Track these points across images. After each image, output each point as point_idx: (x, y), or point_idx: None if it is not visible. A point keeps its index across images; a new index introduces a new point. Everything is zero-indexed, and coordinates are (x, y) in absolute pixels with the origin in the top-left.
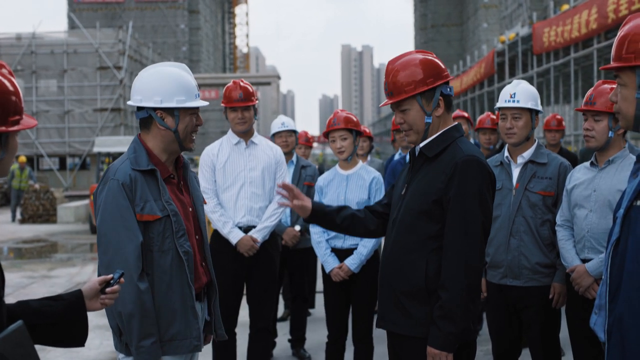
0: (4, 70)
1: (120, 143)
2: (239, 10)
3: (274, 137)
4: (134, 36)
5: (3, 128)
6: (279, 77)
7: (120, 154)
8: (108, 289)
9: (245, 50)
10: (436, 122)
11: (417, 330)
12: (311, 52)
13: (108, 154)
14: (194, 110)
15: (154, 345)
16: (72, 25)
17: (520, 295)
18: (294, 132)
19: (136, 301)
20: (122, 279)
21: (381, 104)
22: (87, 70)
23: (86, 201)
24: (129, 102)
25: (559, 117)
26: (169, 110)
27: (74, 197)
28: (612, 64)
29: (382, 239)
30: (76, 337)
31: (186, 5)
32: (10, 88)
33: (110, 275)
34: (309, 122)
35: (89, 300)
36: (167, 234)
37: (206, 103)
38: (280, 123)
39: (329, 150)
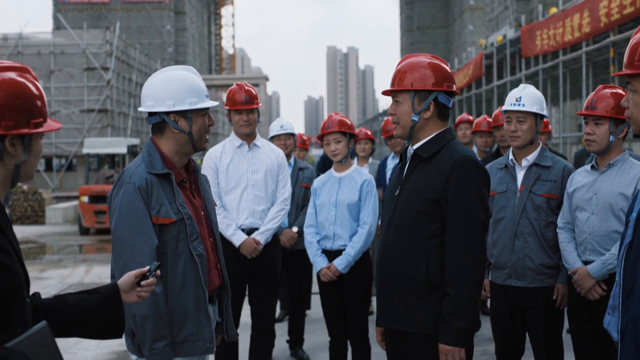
0: (28, 75)
1: (109, 144)
2: (225, 11)
3: (272, 139)
4: (121, 37)
5: (26, 130)
6: (267, 79)
7: (109, 155)
8: (144, 282)
9: (231, 51)
10: (423, 124)
11: (418, 327)
12: (296, 54)
13: (97, 155)
14: (206, 111)
15: (166, 347)
16: (57, 26)
17: (524, 295)
18: (292, 135)
19: (150, 304)
20: (158, 272)
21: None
22: (74, 71)
23: (75, 202)
24: (140, 109)
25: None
26: (182, 113)
27: (62, 198)
28: (624, 70)
29: (371, 241)
30: (113, 329)
31: (172, 6)
32: (35, 92)
33: (147, 268)
34: (294, 124)
35: (125, 293)
36: (181, 237)
37: (217, 103)
38: (279, 126)
39: (315, 152)
